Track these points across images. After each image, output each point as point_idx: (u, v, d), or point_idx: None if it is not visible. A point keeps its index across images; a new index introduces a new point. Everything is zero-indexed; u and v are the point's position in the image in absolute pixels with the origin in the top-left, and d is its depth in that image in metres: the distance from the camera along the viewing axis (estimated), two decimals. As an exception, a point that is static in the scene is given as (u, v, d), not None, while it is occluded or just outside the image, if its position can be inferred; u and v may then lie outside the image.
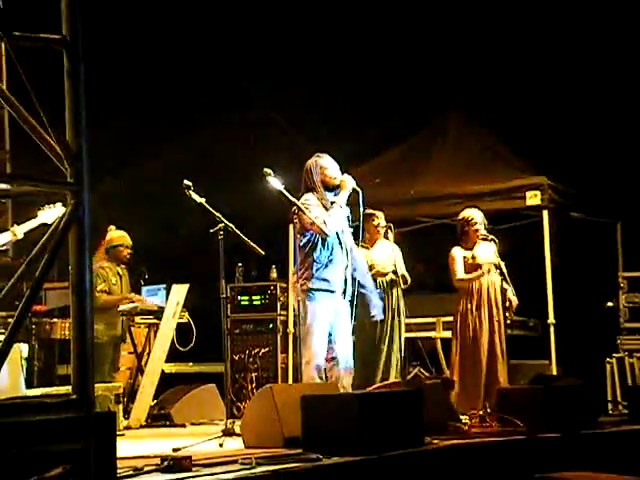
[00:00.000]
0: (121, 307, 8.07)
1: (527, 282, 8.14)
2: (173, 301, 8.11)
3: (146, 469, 3.90)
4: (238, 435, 5.42)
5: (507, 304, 7.33)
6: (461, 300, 7.42)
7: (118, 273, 8.20)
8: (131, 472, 3.79)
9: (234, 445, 5.31)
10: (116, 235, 8.28)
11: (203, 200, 6.09)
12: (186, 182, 6.07)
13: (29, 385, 6.59)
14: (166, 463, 3.93)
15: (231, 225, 6.09)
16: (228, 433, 5.58)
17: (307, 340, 6.00)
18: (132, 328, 8.52)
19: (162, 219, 10.91)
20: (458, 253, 7.47)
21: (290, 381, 8.60)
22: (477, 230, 7.39)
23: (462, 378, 7.21)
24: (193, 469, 3.93)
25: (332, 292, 6.05)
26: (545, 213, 8.50)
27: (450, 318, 7.92)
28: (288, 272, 8.91)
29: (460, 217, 7.60)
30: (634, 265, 9.30)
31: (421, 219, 9.98)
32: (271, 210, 8.55)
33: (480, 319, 7.29)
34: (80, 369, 2.97)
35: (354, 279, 6.37)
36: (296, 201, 6.07)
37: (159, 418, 7.77)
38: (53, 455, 2.85)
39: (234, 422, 5.75)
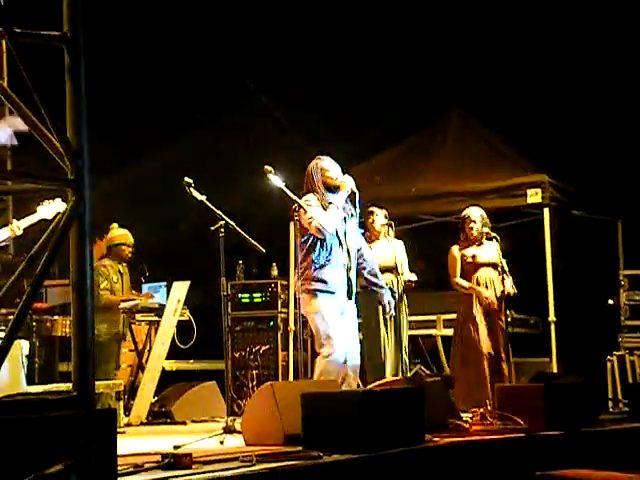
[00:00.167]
0: (122, 305, 8.08)
1: (528, 280, 8.15)
2: (174, 298, 8.11)
3: (147, 466, 3.89)
4: (239, 432, 5.42)
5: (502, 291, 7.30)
6: (463, 298, 7.44)
7: (119, 271, 8.21)
8: (131, 469, 3.78)
9: (235, 442, 5.31)
10: (118, 233, 8.29)
11: (204, 197, 6.09)
12: (187, 179, 6.07)
13: (30, 382, 6.59)
14: (167, 460, 3.92)
15: (232, 222, 6.09)
16: (229, 430, 5.58)
17: (323, 334, 5.99)
18: (133, 325, 8.53)
19: (163, 217, 10.91)
20: (457, 252, 7.47)
21: (291, 378, 8.61)
22: (472, 228, 7.40)
23: (465, 376, 7.21)
24: (193, 466, 3.92)
25: (332, 293, 6.05)
26: (546, 211, 8.51)
27: (450, 316, 7.92)
28: (289, 270, 8.93)
29: (460, 215, 7.63)
30: (635, 263, 9.31)
31: (422, 217, 9.98)
32: (272, 207, 8.56)
33: (482, 318, 7.29)
34: (81, 366, 2.97)
35: (366, 278, 6.40)
36: (297, 198, 6.07)
37: (160, 415, 7.78)
38: (54, 452, 2.85)
39: (235, 419, 5.75)
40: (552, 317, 8.35)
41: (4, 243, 6.46)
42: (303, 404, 4.68)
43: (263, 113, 11.23)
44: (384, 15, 11.44)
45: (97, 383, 3.63)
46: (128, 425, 7.41)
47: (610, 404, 8.56)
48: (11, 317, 3.24)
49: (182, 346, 8.27)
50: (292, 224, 7.51)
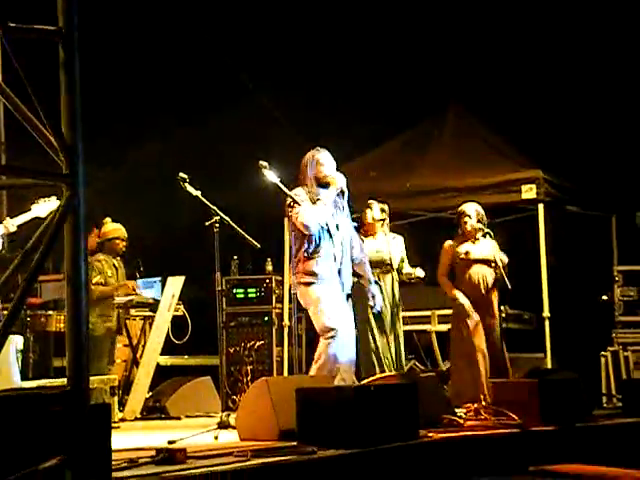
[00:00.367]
0: (117, 299, 8.07)
1: (522, 275, 8.15)
2: (168, 294, 8.11)
3: (141, 461, 3.90)
4: (233, 428, 5.42)
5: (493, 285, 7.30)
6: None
7: (114, 265, 8.21)
8: (126, 464, 3.79)
9: (229, 438, 5.31)
10: (111, 228, 8.30)
11: (199, 193, 6.09)
12: (181, 175, 6.07)
13: (24, 377, 6.59)
14: (161, 455, 3.93)
15: (227, 218, 6.09)
16: (223, 426, 5.58)
17: (320, 323, 6.00)
18: (127, 321, 8.53)
19: (157, 212, 10.91)
20: (450, 248, 7.46)
21: (285, 374, 8.61)
22: (466, 223, 7.40)
23: (460, 371, 7.22)
24: (188, 461, 3.92)
25: (323, 284, 6.06)
26: (541, 207, 8.52)
27: (445, 311, 7.92)
28: (284, 265, 8.93)
29: (456, 210, 7.63)
30: (629, 259, 9.33)
31: (417, 212, 9.98)
32: (267, 203, 8.55)
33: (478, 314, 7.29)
34: (75, 361, 2.97)
35: (354, 272, 6.41)
36: (291, 194, 6.08)
37: (154, 410, 7.77)
38: (48, 447, 2.85)
39: (229, 415, 5.76)
40: (546, 313, 8.36)
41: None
42: (298, 399, 4.69)
43: (261, 110, 11.22)
44: (382, 12, 11.44)
45: (91, 378, 3.62)
46: (122, 420, 7.41)
47: (604, 399, 8.58)
48: (5, 312, 3.23)
49: (177, 341, 8.26)
50: (286, 219, 7.51)
